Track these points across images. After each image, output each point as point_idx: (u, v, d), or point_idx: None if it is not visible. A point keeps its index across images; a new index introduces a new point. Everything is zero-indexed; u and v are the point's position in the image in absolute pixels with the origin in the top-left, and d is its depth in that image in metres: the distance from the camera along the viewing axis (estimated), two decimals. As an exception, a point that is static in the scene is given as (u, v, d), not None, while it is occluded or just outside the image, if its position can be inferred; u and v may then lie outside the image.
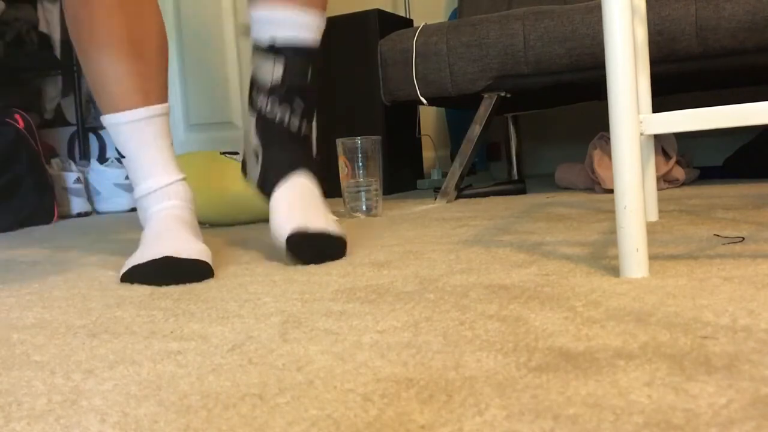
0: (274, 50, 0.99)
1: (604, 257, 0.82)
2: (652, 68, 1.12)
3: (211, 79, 2.19)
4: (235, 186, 1.55)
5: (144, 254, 0.88)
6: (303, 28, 0.99)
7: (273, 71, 0.99)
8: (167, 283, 0.84)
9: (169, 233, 0.93)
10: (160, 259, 0.86)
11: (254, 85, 1.04)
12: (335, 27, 2.32)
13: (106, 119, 1.00)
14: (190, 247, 0.89)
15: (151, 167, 1.00)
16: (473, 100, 2.00)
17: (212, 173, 1.51)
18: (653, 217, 1.13)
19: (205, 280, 0.86)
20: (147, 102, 0.99)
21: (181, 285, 0.83)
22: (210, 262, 0.88)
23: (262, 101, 1.01)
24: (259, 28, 1.01)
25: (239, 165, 1.59)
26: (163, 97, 1.02)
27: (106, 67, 0.98)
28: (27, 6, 2.94)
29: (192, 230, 0.96)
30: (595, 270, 0.75)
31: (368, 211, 1.59)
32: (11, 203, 2.00)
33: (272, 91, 1.00)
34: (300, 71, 0.99)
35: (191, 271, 0.86)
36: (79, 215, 2.32)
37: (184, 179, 1.02)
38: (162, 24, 1.03)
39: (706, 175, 2.06)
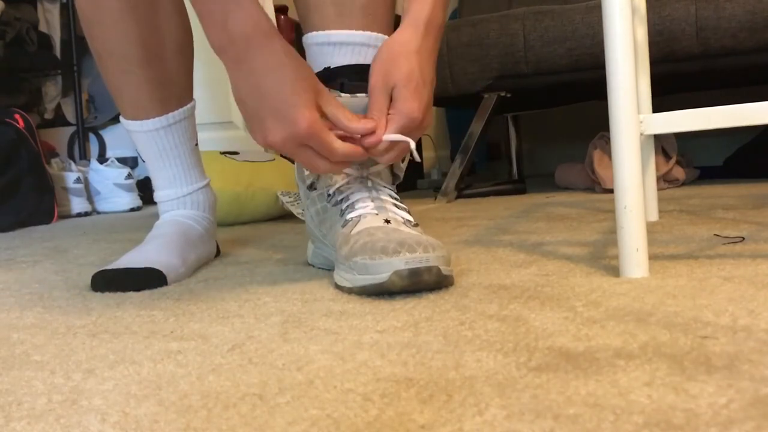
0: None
1: (604, 257, 0.82)
2: (652, 68, 1.12)
3: (212, 78, 2.19)
4: (236, 186, 1.55)
5: (118, 261, 0.87)
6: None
7: None
8: (123, 290, 0.81)
9: (149, 243, 0.91)
10: (117, 269, 0.84)
11: None
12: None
13: (125, 124, 0.98)
14: (149, 258, 0.86)
15: (171, 178, 0.98)
16: (473, 100, 2.00)
17: (212, 173, 1.50)
18: (653, 217, 1.13)
19: (213, 281, 0.86)
20: (165, 109, 0.95)
21: (181, 285, 0.83)
22: (162, 271, 0.84)
23: None
24: None
25: (239, 165, 1.59)
26: (184, 100, 0.98)
27: (121, 73, 0.94)
28: (27, 6, 2.94)
29: (183, 240, 0.93)
30: (595, 270, 0.75)
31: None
32: (11, 203, 2.00)
33: None
34: None
35: (138, 280, 0.82)
36: (79, 215, 2.32)
37: (205, 185, 1.02)
38: (184, 20, 0.96)
39: (706, 175, 2.06)
